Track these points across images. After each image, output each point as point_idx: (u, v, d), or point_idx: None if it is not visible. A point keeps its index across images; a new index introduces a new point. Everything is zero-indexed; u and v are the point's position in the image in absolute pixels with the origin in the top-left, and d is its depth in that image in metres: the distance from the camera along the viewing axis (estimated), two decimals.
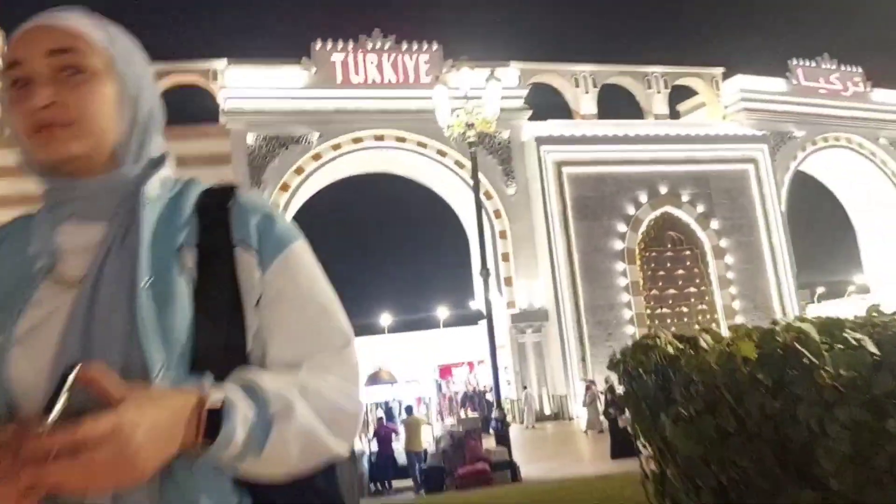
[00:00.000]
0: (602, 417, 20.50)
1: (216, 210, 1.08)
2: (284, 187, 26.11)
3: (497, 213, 27.79)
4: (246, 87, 26.20)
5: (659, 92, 31.07)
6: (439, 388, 25.63)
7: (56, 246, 1.03)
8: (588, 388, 22.10)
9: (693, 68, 32.01)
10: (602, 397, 20.20)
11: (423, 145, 27.47)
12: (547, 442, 20.49)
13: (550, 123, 28.61)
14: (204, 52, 27.17)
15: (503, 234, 27.77)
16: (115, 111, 1.07)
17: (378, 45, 27.72)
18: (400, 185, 31.91)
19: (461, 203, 29.87)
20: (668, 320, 28.01)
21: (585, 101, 30.01)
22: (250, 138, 26.14)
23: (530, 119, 28.61)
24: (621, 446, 13.11)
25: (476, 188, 15.66)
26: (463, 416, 26.44)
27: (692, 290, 28.86)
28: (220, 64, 26.61)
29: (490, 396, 24.46)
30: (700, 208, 29.21)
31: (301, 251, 1.10)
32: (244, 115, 26.10)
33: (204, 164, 25.63)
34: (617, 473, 10.63)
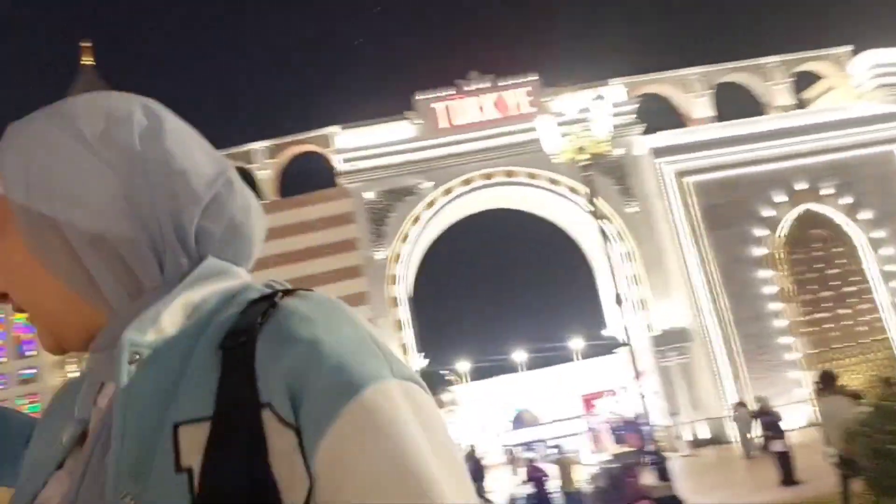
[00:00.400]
0: (760, 441, 19.02)
1: (241, 345, 0.65)
2: (404, 238, 26.56)
3: (620, 235, 26.78)
4: (358, 147, 27.18)
5: (780, 83, 29.10)
6: (586, 422, 24.73)
7: (90, 411, 0.73)
8: (736, 409, 20.48)
9: (815, 51, 29.74)
10: (754, 421, 18.69)
11: (534, 176, 27.15)
12: (707, 470, 19.03)
13: (665, 134, 27.42)
14: (319, 121, 28.60)
15: (630, 256, 26.68)
16: (33, 266, 0.72)
17: (476, 86, 27.92)
18: (516, 220, 31.72)
19: (580, 229, 29.12)
20: (828, 325, 25.69)
21: (699, 106, 28.59)
22: (368, 195, 26.91)
23: (642, 133, 27.61)
24: (789, 473, 12.28)
25: (595, 212, 15.06)
26: (615, 449, 25.28)
27: (850, 289, 26.30)
28: (333, 129, 27.78)
29: (641, 426, 23.23)
30: (845, 200, 26.75)
31: (374, 407, 0.61)
32: (360, 174, 27.00)
33: (330, 226, 26.75)
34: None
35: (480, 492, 23.50)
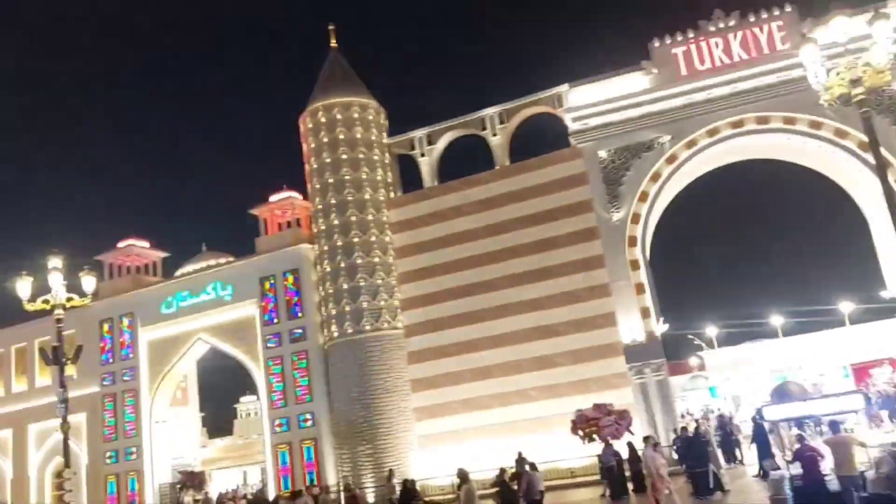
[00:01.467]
0: None
1: None
2: (643, 197, 25.30)
3: None
4: (589, 104, 26.29)
5: None
6: (868, 399, 21.63)
7: None
8: None
9: None
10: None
11: (791, 121, 24.29)
12: None
13: None
14: (551, 81, 27.97)
15: None
16: None
17: (721, 26, 25.47)
18: (769, 170, 28.75)
19: (849, 177, 25.56)
20: None
21: None
22: (602, 154, 26.02)
23: None
24: None
25: (878, 156, 12.85)
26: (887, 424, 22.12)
27: None
28: (562, 88, 27.15)
29: None
30: None
31: None
32: (592, 132, 26.16)
33: (563, 188, 26.33)
34: None
35: (733, 461, 21.93)
